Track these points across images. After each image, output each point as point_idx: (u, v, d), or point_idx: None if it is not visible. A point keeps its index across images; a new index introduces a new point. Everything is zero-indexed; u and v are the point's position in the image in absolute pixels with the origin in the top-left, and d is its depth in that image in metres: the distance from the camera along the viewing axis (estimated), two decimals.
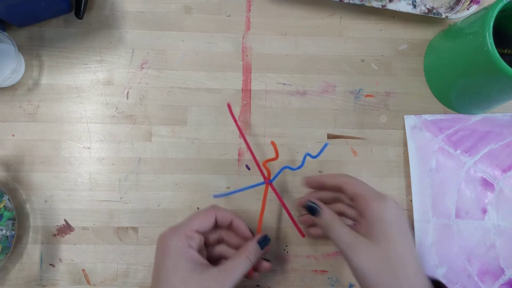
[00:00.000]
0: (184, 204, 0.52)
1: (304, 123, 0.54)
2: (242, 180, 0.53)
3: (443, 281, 0.51)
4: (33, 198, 0.51)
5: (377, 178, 0.54)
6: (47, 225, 0.51)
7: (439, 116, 0.55)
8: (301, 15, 0.56)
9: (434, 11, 0.55)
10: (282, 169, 0.48)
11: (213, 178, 0.53)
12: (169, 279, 0.36)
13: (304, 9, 0.56)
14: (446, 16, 0.54)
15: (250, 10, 0.56)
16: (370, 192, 0.39)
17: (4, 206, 0.48)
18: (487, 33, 0.43)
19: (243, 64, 0.55)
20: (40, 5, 0.49)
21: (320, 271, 0.52)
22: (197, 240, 0.39)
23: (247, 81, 0.55)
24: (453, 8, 0.56)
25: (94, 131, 0.53)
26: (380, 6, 0.54)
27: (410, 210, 0.53)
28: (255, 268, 0.43)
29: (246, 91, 0.55)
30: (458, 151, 0.54)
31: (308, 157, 0.48)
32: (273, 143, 0.48)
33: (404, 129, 0.55)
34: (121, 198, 0.52)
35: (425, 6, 0.55)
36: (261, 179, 0.48)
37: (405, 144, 0.55)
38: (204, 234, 0.41)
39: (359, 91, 0.55)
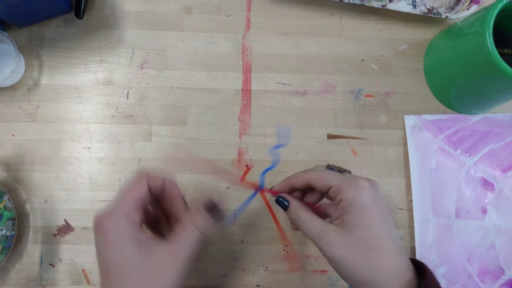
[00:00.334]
0: None
1: (304, 123, 0.54)
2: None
3: (443, 281, 0.51)
4: (33, 198, 0.51)
5: (377, 178, 0.54)
6: (47, 225, 0.51)
7: (439, 116, 0.55)
8: (301, 15, 0.56)
9: (434, 11, 0.55)
10: (263, 173, 0.43)
11: (213, 178, 0.53)
12: (121, 272, 0.32)
13: (304, 9, 0.56)
14: (446, 16, 0.54)
15: (250, 10, 0.56)
16: (339, 182, 0.37)
17: (4, 206, 0.48)
18: (487, 33, 0.43)
19: (243, 64, 0.55)
20: (40, 5, 0.49)
21: (320, 271, 0.52)
22: (137, 217, 0.34)
23: (247, 81, 0.55)
24: (453, 8, 0.56)
25: (94, 131, 0.53)
26: (380, 6, 0.54)
27: (410, 210, 0.53)
28: None
29: (246, 91, 0.55)
30: (458, 151, 0.54)
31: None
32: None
33: (404, 129, 0.55)
34: None
35: (425, 6, 0.55)
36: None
37: (405, 144, 0.55)
38: (142, 205, 0.35)
39: (359, 91, 0.55)
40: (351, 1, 0.54)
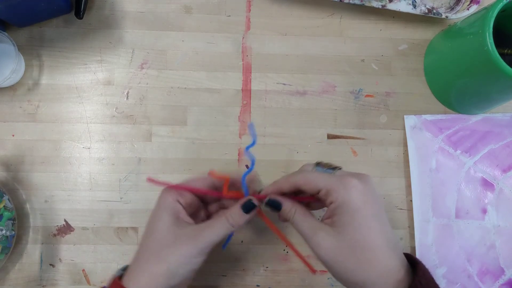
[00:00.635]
0: None
1: (304, 123, 0.54)
2: None
3: (443, 281, 0.51)
4: (33, 198, 0.51)
5: (377, 178, 0.54)
6: (47, 225, 0.51)
7: (439, 116, 0.55)
8: (301, 15, 0.56)
9: (434, 11, 0.55)
10: (243, 177, 0.41)
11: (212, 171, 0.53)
12: (152, 228, 0.39)
13: (304, 9, 0.56)
14: (446, 16, 0.54)
15: (250, 10, 0.56)
16: (328, 184, 0.36)
17: (4, 206, 0.48)
18: (487, 33, 0.43)
19: (243, 64, 0.55)
20: (40, 5, 0.49)
21: (320, 271, 0.52)
22: (188, 198, 0.40)
23: (247, 81, 0.55)
24: (453, 8, 0.56)
25: (94, 131, 0.53)
26: (380, 6, 0.54)
27: (410, 210, 0.53)
28: None
29: (246, 91, 0.55)
30: (458, 151, 0.54)
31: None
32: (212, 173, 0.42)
33: (404, 129, 0.55)
34: (121, 198, 0.52)
35: (425, 6, 0.55)
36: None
37: (405, 144, 0.55)
38: (201, 197, 0.42)
39: (359, 91, 0.55)
40: (351, 1, 0.54)
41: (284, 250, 0.52)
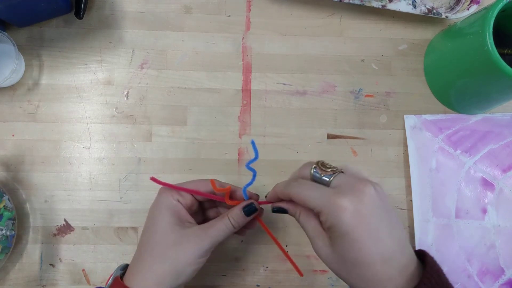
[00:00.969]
0: None
1: (304, 123, 0.54)
2: (242, 180, 0.53)
3: None
4: (33, 198, 0.51)
5: (377, 178, 0.54)
6: (47, 225, 0.51)
7: (439, 116, 0.55)
8: (301, 15, 0.56)
9: (434, 11, 0.55)
10: (244, 189, 0.41)
11: (213, 178, 0.53)
12: (153, 227, 0.39)
13: (304, 9, 0.56)
14: (446, 16, 0.54)
15: (250, 10, 0.56)
16: (318, 205, 0.34)
17: (4, 206, 0.48)
18: (487, 33, 0.43)
19: (243, 64, 0.55)
20: (40, 5, 0.49)
21: (320, 271, 0.52)
22: (188, 199, 0.40)
23: (247, 81, 0.55)
24: (453, 8, 0.56)
25: (94, 131, 0.53)
26: (380, 6, 0.54)
27: (410, 210, 0.53)
28: (247, 226, 0.42)
29: (246, 91, 0.55)
30: (458, 151, 0.54)
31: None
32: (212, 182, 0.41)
33: (404, 129, 0.55)
34: (121, 198, 0.52)
35: (425, 6, 0.55)
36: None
37: (405, 144, 0.55)
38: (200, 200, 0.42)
39: (359, 91, 0.55)
40: (351, 1, 0.54)
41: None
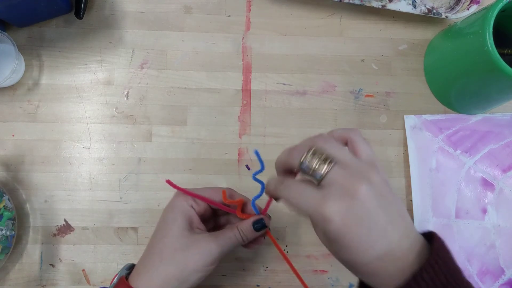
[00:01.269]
0: None
1: (304, 123, 0.54)
2: (242, 181, 0.53)
3: None
4: (33, 198, 0.51)
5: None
6: (47, 225, 0.51)
7: (439, 116, 0.55)
8: (301, 15, 0.56)
9: (434, 11, 0.55)
10: (253, 202, 0.40)
11: (213, 178, 0.53)
12: (165, 230, 0.39)
13: (304, 9, 0.56)
14: (446, 16, 0.54)
15: (250, 10, 0.56)
16: (307, 210, 0.31)
17: (4, 206, 0.48)
18: (487, 33, 0.43)
19: (243, 64, 0.55)
20: (40, 5, 0.49)
21: (320, 271, 0.52)
22: (202, 207, 0.40)
23: (247, 81, 0.55)
24: (453, 8, 0.56)
25: (94, 131, 0.53)
26: (380, 6, 0.54)
27: (410, 210, 0.53)
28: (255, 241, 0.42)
29: (246, 91, 0.55)
30: (458, 151, 0.54)
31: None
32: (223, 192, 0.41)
33: (404, 129, 0.55)
34: (121, 198, 0.52)
35: (425, 6, 0.55)
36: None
37: (405, 144, 0.55)
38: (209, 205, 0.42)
39: (359, 91, 0.55)
40: (351, 1, 0.54)
41: (284, 250, 0.52)
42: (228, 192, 0.41)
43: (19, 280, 0.50)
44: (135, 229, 0.51)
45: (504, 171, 0.54)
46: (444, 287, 0.29)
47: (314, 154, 0.32)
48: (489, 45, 0.43)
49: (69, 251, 0.51)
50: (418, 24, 0.57)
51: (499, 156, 0.54)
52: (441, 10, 0.55)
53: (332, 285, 0.52)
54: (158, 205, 0.52)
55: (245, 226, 0.40)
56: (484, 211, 0.53)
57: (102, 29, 0.54)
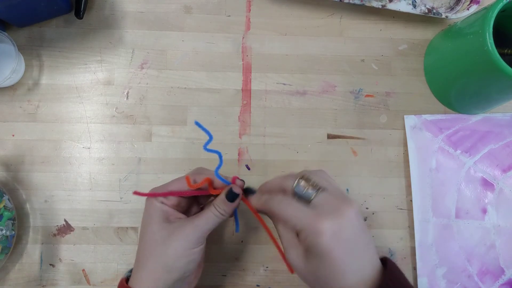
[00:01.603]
0: None
1: (304, 123, 0.54)
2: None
3: (443, 281, 0.51)
4: (33, 198, 0.51)
5: (377, 178, 0.54)
6: (47, 225, 0.51)
7: (439, 116, 0.55)
8: (301, 15, 0.56)
9: (434, 11, 0.55)
10: (216, 172, 0.40)
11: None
12: (144, 230, 0.40)
13: (304, 9, 0.56)
14: (446, 16, 0.54)
15: (250, 10, 0.56)
16: (299, 224, 0.36)
17: (4, 206, 0.48)
18: (487, 33, 0.43)
19: (243, 64, 0.55)
20: (40, 5, 0.49)
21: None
22: (172, 199, 0.41)
23: (247, 81, 0.55)
24: (453, 8, 0.56)
25: (94, 131, 0.53)
26: (380, 6, 0.54)
27: (410, 210, 0.53)
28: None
29: (246, 91, 0.55)
30: (458, 151, 0.54)
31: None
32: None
33: (404, 129, 0.55)
34: (121, 198, 0.52)
35: (425, 6, 0.55)
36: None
37: (405, 144, 0.55)
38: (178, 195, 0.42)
39: (359, 91, 0.55)
40: (351, 1, 0.54)
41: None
42: (192, 176, 0.41)
43: (19, 280, 0.50)
44: (135, 229, 0.51)
45: (504, 171, 0.54)
46: None
47: (305, 180, 0.38)
48: (489, 45, 0.43)
49: (69, 251, 0.51)
50: (418, 24, 0.57)
51: (499, 156, 0.54)
52: (441, 10, 0.55)
53: None
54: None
55: (219, 201, 0.40)
56: (484, 211, 0.53)
57: (102, 29, 0.54)
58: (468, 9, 0.54)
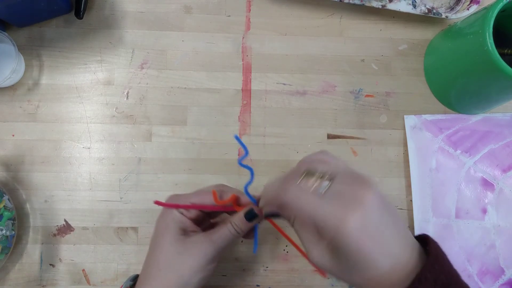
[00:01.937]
0: None
1: (304, 123, 0.54)
2: (242, 181, 0.53)
3: None
4: (33, 198, 0.51)
5: (377, 178, 0.54)
6: (47, 225, 0.51)
7: (439, 116, 0.55)
8: (301, 15, 0.56)
9: (434, 11, 0.55)
10: (245, 188, 0.39)
11: (213, 178, 0.53)
12: (159, 239, 0.39)
13: (304, 9, 0.56)
14: (446, 16, 0.54)
15: (250, 10, 0.56)
16: (319, 220, 0.32)
17: (4, 206, 0.48)
18: (487, 33, 0.43)
19: (243, 64, 0.55)
20: (40, 5, 0.49)
21: (320, 270, 0.52)
22: (192, 212, 0.40)
23: (247, 81, 0.55)
24: (453, 8, 0.56)
25: (94, 131, 0.53)
26: (380, 6, 0.54)
27: (410, 210, 0.53)
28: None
29: (246, 91, 0.55)
30: (458, 151, 0.54)
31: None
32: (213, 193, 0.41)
33: (404, 129, 0.55)
34: (121, 198, 0.52)
35: (425, 6, 0.55)
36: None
37: (405, 144, 0.55)
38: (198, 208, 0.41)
39: (359, 91, 0.55)
40: (351, 1, 0.54)
41: (284, 250, 0.52)
42: (218, 192, 0.40)
43: (19, 280, 0.50)
44: (135, 229, 0.51)
45: (504, 171, 0.54)
46: (445, 286, 0.30)
47: (310, 174, 0.34)
48: (489, 45, 0.43)
49: (69, 251, 0.51)
50: (418, 24, 0.57)
51: (499, 156, 0.54)
52: (441, 10, 0.55)
53: (332, 285, 0.52)
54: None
55: (237, 219, 0.39)
56: (484, 211, 0.53)
57: (102, 29, 0.54)
58: (468, 9, 0.54)
